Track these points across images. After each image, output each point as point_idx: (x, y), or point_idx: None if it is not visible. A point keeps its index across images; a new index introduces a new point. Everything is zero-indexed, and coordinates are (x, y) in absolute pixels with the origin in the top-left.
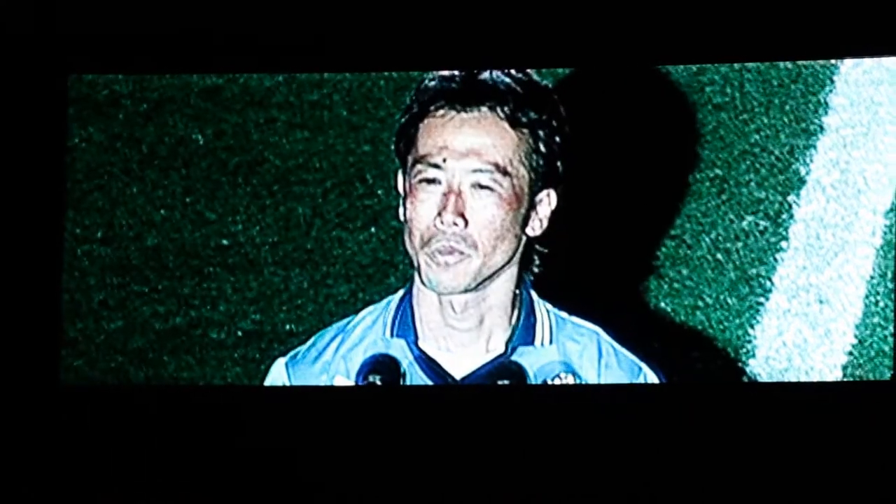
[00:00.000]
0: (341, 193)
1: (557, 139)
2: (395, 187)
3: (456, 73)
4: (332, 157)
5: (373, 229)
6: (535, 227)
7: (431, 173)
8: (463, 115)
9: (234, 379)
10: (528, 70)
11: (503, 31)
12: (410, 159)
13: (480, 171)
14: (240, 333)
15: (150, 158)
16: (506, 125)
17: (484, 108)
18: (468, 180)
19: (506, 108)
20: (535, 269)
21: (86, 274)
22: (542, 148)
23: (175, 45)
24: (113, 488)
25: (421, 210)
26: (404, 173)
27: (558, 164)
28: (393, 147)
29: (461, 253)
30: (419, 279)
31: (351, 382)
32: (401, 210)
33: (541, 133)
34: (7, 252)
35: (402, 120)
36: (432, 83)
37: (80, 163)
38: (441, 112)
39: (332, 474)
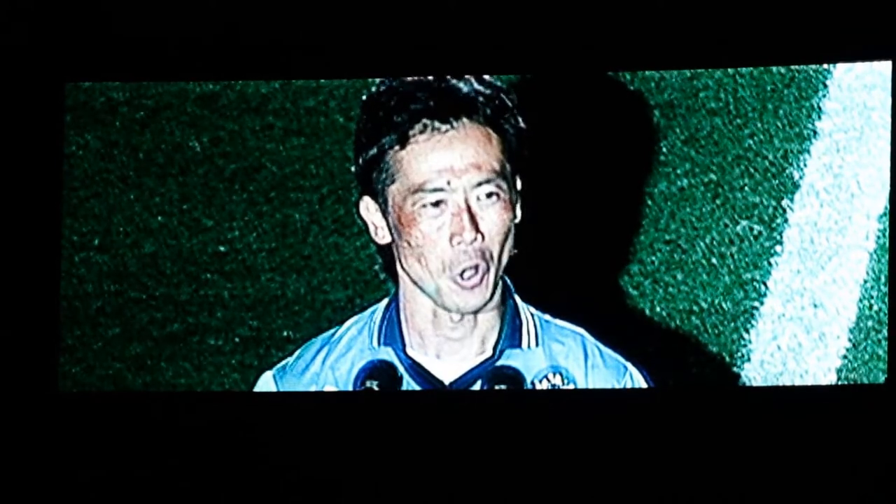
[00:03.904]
0: (338, 199)
1: (520, 123)
2: (359, 214)
3: (427, 93)
4: (328, 164)
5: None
6: (518, 214)
7: (436, 197)
8: (449, 133)
9: (232, 385)
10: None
11: (501, 34)
12: (399, 188)
13: (484, 182)
14: (237, 340)
15: (147, 165)
16: (489, 129)
17: (464, 119)
18: (474, 194)
19: (487, 111)
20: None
21: (83, 281)
22: (514, 138)
23: (171, 52)
24: (111, 495)
25: (431, 235)
26: (381, 202)
27: (523, 148)
28: (357, 178)
29: (485, 266)
30: (437, 304)
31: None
32: (376, 233)
33: (510, 125)
34: (5, 259)
35: (372, 152)
36: (399, 113)
37: (77, 170)
38: (424, 136)
39: (332, 479)
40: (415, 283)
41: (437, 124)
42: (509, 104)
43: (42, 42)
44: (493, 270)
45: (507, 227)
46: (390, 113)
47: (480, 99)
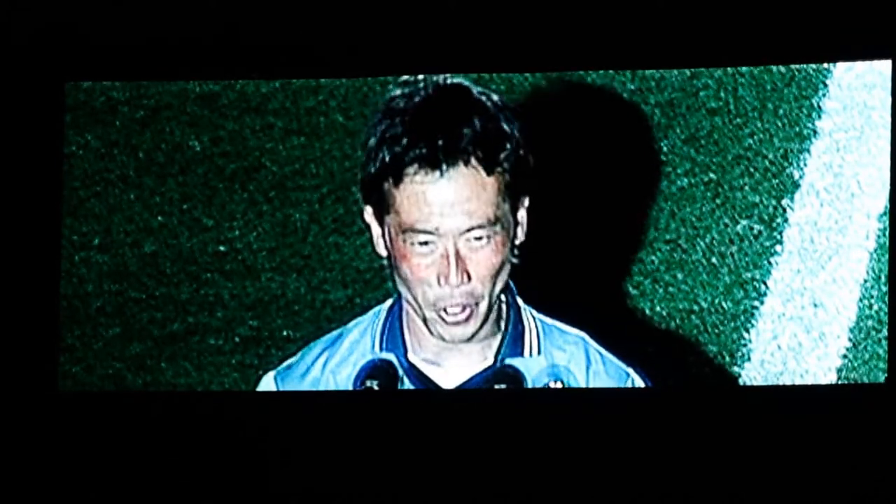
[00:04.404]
0: (338, 199)
1: (526, 151)
2: (364, 221)
3: (425, 133)
4: (328, 163)
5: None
6: (520, 235)
7: (424, 239)
8: (443, 178)
9: (232, 385)
10: (491, 95)
11: (500, 34)
12: (392, 222)
13: (473, 228)
14: (237, 339)
15: (147, 165)
16: (483, 174)
17: (459, 164)
18: (463, 239)
19: (479, 155)
20: (514, 261)
21: (83, 281)
22: (518, 170)
23: (171, 51)
24: (111, 495)
25: (419, 274)
26: (380, 220)
27: (531, 172)
28: (359, 192)
29: (472, 305)
30: (427, 331)
31: None
32: (378, 242)
33: (512, 161)
34: (5, 259)
35: (372, 169)
36: (400, 145)
37: (77, 170)
38: (419, 177)
39: (332, 479)
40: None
41: (430, 169)
42: (510, 144)
43: (42, 42)
44: (482, 307)
45: (498, 267)
46: (391, 143)
47: (479, 146)
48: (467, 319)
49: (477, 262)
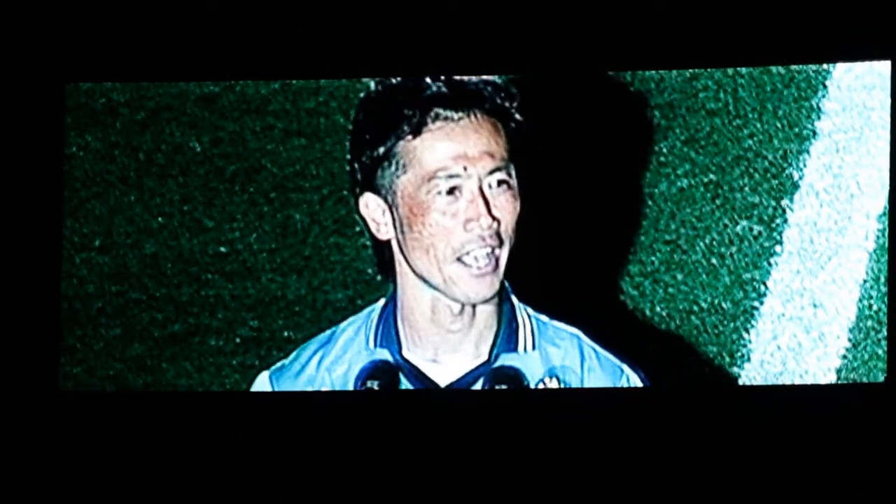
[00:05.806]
0: (338, 200)
1: (520, 118)
2: (359, 214)
3: (439, 83)
4: (328, 164)
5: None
6: (517, 207)
7: (451, 183)
8: (462, 122)
9: (233, 385)
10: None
11: (501, 34)
12: (412, 178)
13: (497, 169)
14: (238, 340)
15: (148, 166)
16: (496, 121)
17: (476, 111)
18: (488, 181)
19: (491, 103)
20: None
21: (84, 282)
22: (516, 131)
23: (172, 53)
24: (111, 495)
25: (444, 223)
26: (386, 196)
27: (522, 142)
28: (359, 176)
29: (499, 251)
30: (446, 295)
31: None
32: (378, 230)
33: (512, 119)
34: (6, 260)
35: (380, 146)
36: (416, 103)
37: (77, 171)
38: (437, 124)
39: (332, 479)
40: (418, 276)
41: (449, 113)
42: (513, 96)
43: (42, 42)
44: (502, 256)
45: (516, 213)
46: (400, 106)
47: (488, 91)
48: (494, 270)
49: (502, 208)
